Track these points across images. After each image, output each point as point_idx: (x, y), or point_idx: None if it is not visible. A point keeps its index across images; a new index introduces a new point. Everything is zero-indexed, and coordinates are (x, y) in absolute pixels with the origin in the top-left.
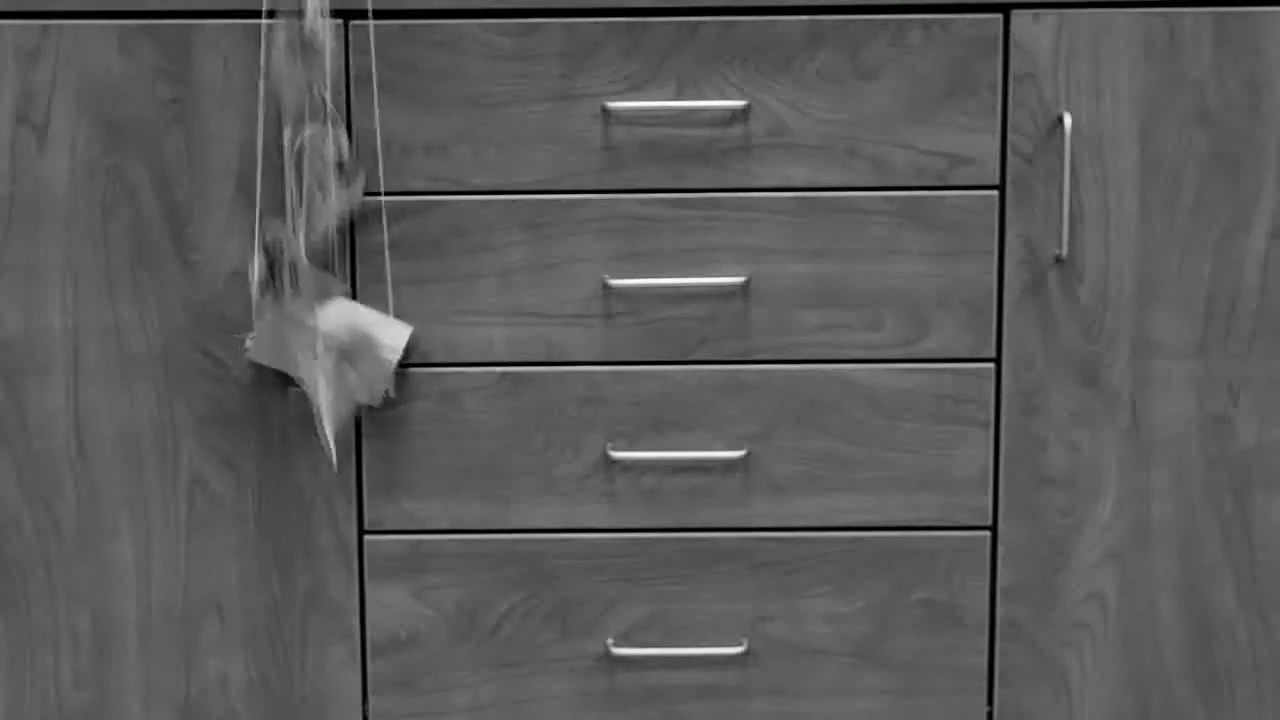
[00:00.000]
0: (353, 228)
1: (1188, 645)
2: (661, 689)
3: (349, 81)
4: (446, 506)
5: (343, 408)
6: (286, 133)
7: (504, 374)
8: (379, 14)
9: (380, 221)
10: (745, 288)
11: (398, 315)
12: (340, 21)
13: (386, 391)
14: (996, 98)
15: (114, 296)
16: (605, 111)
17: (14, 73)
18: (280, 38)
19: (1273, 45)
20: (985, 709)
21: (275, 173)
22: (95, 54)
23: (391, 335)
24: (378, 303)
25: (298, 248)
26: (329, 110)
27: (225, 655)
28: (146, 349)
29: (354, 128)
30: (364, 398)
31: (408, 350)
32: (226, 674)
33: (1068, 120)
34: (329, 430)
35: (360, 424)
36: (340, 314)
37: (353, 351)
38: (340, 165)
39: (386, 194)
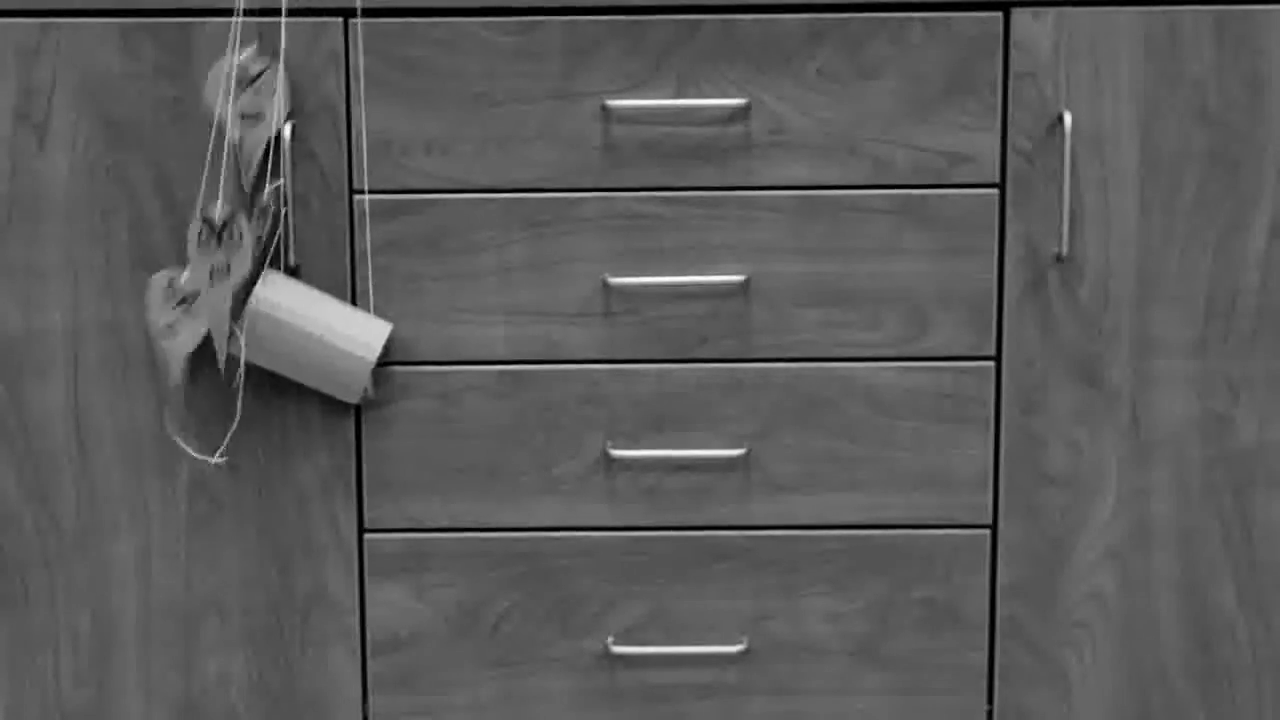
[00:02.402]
0: (352, 228)
1: (1188, 644)
2: (661, 688)
3: (349, 80)
4: (446, 505)
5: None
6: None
7: (504, 373)
8: (379, 12)
9: (386, 222)
10: (745, 286)
11: (398, 314)
12: (341, 20)
13: (366, 390)
14: (997, 96)
15: (114, 296)
16: (605, 110)
17: (14, 72)
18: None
19: (1273, 44)
20: (985, 708)
21: (275, 173)
22: (96, 53)
23: (370, 334)
24: (365, 301)
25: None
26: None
27: (225, 655)
28: (146, 349)
29: (354, 126)
30: (342, 395)
31: (406, 349)
32: (226, 673)
33: (1068, 119)
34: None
35: (360, 423)
36: (311, 304)
37: (329, 345)
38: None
39: (388, 193)
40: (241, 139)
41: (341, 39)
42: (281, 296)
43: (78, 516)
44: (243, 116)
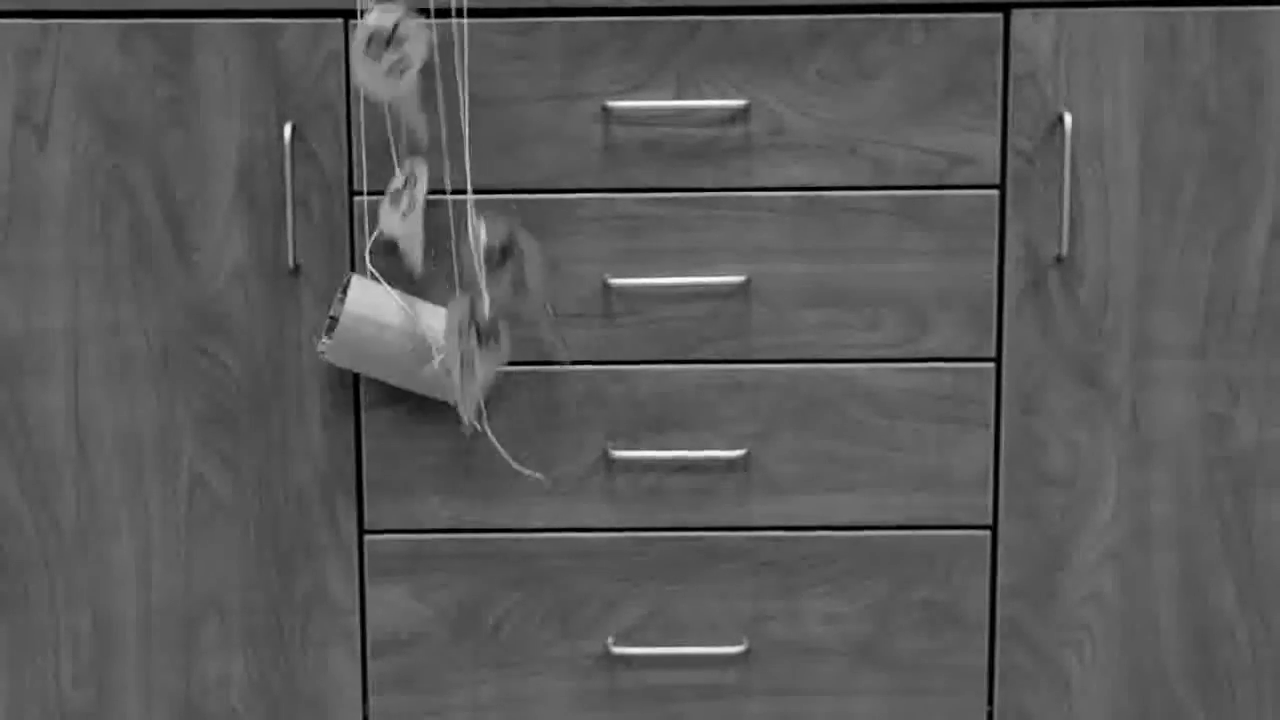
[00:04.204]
0: (352, 228)
1: (1188, 645)
2: (661, 688)
3: (350, 82)
4: (446, 506)
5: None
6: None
7: (504, 374)
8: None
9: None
10: (745, 287)
11: None
12: (341, 20)
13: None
14: (996, 97)
15: (114, 296)
16: (605, 111)
17: (14, 73)
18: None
19: (1273, 45)
20: (985, 709)
21: (275, 173)
22: (95, 53)
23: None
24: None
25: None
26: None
27: (225, 655)
28: (146, 349)
29: (354, 126)
30: (444, 395)
31: None
32: (226, 674)
33: (1068, 120)
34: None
35: (360, 423)
36: (407, 307)
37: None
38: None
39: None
40: (391, 103)
41: (341, 39)
42: (376, 299)
43: (78, 517)
44: (386, 72)
